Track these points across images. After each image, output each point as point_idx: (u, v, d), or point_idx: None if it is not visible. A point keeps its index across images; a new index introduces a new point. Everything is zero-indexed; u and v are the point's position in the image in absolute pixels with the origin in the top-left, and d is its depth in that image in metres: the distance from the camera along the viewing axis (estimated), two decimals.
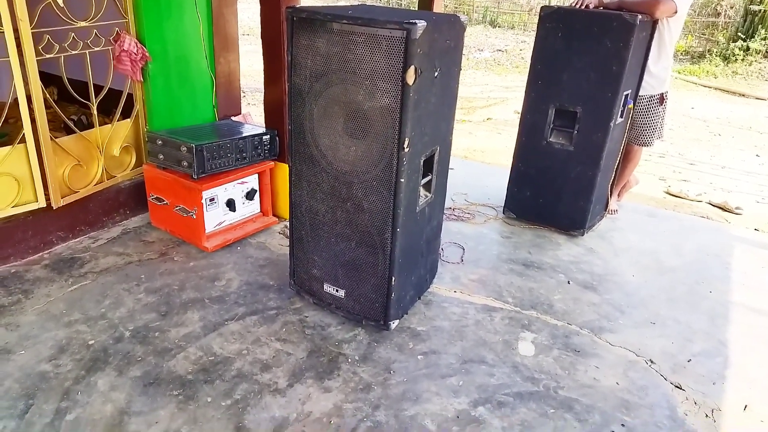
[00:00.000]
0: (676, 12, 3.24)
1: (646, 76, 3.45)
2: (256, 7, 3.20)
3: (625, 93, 3.27)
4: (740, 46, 11.69)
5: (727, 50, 11.86)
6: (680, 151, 6.35)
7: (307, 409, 2.09)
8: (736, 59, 11.56)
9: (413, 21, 1.97)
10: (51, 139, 2.88)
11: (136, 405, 2.05)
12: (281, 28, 3.05)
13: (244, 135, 3.22)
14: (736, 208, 4.56)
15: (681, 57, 12.23)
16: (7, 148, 2.73)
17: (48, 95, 2.85)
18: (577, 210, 3.53)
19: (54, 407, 2.01)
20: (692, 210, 4.48)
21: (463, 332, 2.59)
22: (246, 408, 2.07)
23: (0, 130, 2.69)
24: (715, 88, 10.19)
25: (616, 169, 3.72)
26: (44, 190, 2.90)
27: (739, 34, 11.92)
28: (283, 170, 3.33)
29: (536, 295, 2.94)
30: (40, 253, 2.99)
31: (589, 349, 2.53)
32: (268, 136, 3.31)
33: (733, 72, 11.20)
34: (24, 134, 2.74)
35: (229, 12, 3.61)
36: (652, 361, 2.48)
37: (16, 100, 2.67)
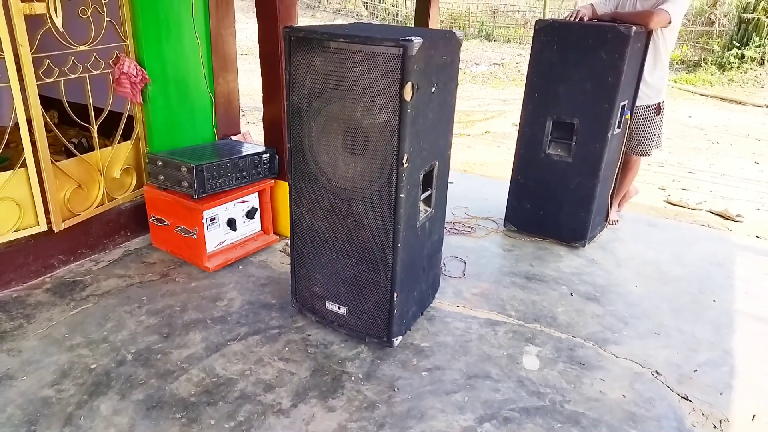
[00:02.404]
0: (670, 22, 3.27)
1: (642, 87, 3.47)
2: (254, 27, 3.23)
3: (621, 104, 3.29)
4: (735, 54, 11.76)
5: (722, 58, 11.93)
6: (679, 159, 6.37)
7: (311, 429, 2.07)
8: (732, 67, 11.62)
9: (409, 38, 1.98)
10: (52, 162, 2.89)
11: (139, 429, 2.04)
12: (279, 48, 3.08)
13: (243, 154, 3.24)
14: (737, 215, 4.56)
15: (676, 66, 12.30)
16: (8, 172, 2.74)
17: (48, 119, 2.86)
18: (578, 221, 3.52)
19: None
20: (693, 219, 4.48)
21: (467, 347, 2.57)
22: (250, 430, 2.05)
23: (1, 155, 2.71)
24: (712, 97, 10.23)
25: (616, 179, 3.72)
26: (45, 214, 2.91)
27: (734, 42, 12.00)
28: (284, 188, 3.34)
29: (539, 307, 2.92)
30: (42, 277, 2.98)
31: (594, 361, 2.52)
32: (268, 155, 3.32)
33: (729, 80, 11.26)
34: (25, 158, 2.75)
35: (228, 33, 3.64)
36: (657, 373, 2.46)
37: (16, 124, 2.69)
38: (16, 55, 2.63)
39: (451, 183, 2.84)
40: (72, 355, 2.41)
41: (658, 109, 3.63)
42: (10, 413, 2.07)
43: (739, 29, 12.15)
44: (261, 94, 3.36)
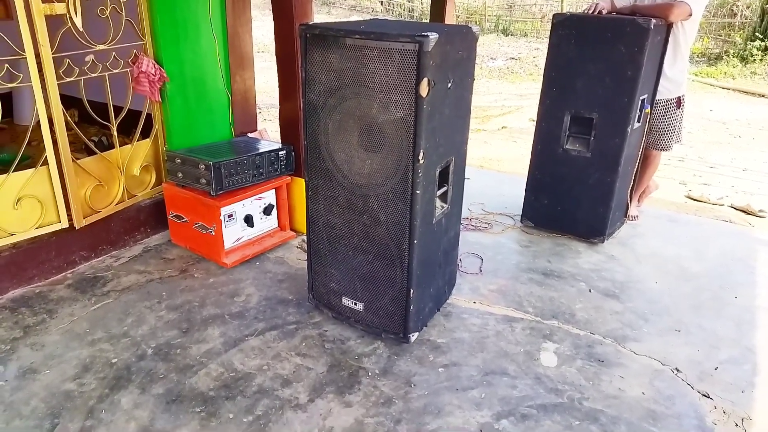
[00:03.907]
0: (690, 15, 3.22)
1: (662, 80, 3.42)
2: (270, 25, 3.24)
3: (641, 98, 3.24)
4: (758, 46, 11.52)
5: (745, 51, 11.70)
6: (700, 154, 6.26)
7: (328, 424, 2.08)
8: (755, 59, 11.40)
9: (425, 33, 1.98)
10: (73, 160, 2.94)
11: (159, 422, 2.07)
12: (295, 45, 3.09)
13: (260, 151, 3.26)
14: (760, 210, 4.47)
15: (697, 59, 12.09)
16: (30, 170, 2.79)
17: (69, 117, 2.91)
18: (597, 217, 3.49)
19: (79, 426, 2.03)
20: (714, 214, 4.40)
21: (484, 344, 2.57)
22: (268, 424, 2.07)
23: (23, 153, 2.75)
24: (734, 90, 10.04)
25: (635, 174, 3.68)
26: (67, 211, 2.96)
27: (757, 33, 11.76)
28: (300, 185, 3.35)
29: (557, 304, 2.90)
30: (64, 273, 3.04)
31: (613, 358, 2.49)
32: (284, 152, 3.34)
33: (751, 72, 11.04)
34: (46, 156, 2.80)
35: (244, 31, 3.66)
36: (678, 370, 2.43)
37: (38, 123, 2.74)
38: (38, 55, 2.68)
39: (468, 179, 2.83)
40: (93, 349, 2.45)
41: (679, 103, 3.58)
42: (33, 406, 2.12)
43: (762, 20, 11.90)
44: (277, 92, 3.38)
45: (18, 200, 2.77)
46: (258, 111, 4.29)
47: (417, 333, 2.56)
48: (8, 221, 2.77)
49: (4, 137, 4.05)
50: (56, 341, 2.50)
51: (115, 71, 3.08)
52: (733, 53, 11.90)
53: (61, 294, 2.86)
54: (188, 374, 2.31)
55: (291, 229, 3.55)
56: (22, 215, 2.81)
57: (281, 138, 3.51)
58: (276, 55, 3.27)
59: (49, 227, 2.92)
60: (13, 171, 2.73)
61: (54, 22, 2.74)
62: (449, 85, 2.22)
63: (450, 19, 4.13)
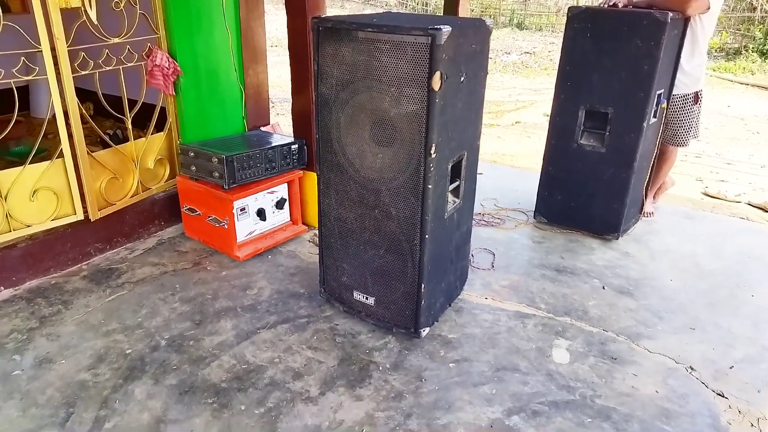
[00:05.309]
0: (708, 8, 3.16)
1: (679, 75, 3.37)
2: (283, 19, 3.24)
3: (657, 92, 3.20)
4: None
5: (764, 45, 11.48)
6: (717, 150, 6.17)
7: (339, 417, 2.09)
8: None
9: (438, 26, 1.96)
10: (88, 153, 2.96)
11: (172, 413, 2.09)
12: (308, 39, 3.09)
13: (273, 145, 3.26)
14: None
15: (715, 54, 11.89)
16: (46, 162, 2.82)
17: (84, 111, 2.93)
18: (611, 213, 3.45)
19: (93, 415, 2.06)
20: (731, 211, 4.34)
21: (495, 339, 2.56)
22: (279, 416, 2.08)
23: (39, 146, 2.78)
24: (753, 85, 9.87)
25: (651, 170, 3.63)
26: (82, 203, 2.99)
27: None
28: (312, 179, 3.35)
29: (570, 301, 2.88)
30: (79, 265, 3.07)
31: (626, 356, 2.47)
32: (297, 146, 3.34)
33: None
34: (62, 149, 2.83)
35: (257, 24, 3.67)
36: (692, 368, 2.40)
37: (54, 116, 2.76)
38: (53, 49, 2.70)
39: (481, 174, 2.81)
40: (108, 340, 2.48)
41: (696, 98, 3.52)
42: (49, 395, 2.15)
43: None
44: (290, 86, 3.38)
45: (34, 192, 2.81)
46: (271, 105, 4.30)
47: (428, 328, 2.55)
48: (25, 213, 2.81)
49: (21, 130, 4.10)
50: (71, 332, 2.53)
51: (129, 65, 3.10)
52: (753, 48, 11.68)
53: (76, 285, 2.89)
54: (201, 366, 2.33)
55: (303, 223, 3.56)
56: (38, 207, 2.84)
57: (294, 132, 3.52)
58: (289, 48, 3.27)
59: (64, 219, 2.95)
60: (29, 163, 2.77)
61: (69, 16, 2.76)
62: (462, 78, 2.21)
63: (464, 12, 4.10)
